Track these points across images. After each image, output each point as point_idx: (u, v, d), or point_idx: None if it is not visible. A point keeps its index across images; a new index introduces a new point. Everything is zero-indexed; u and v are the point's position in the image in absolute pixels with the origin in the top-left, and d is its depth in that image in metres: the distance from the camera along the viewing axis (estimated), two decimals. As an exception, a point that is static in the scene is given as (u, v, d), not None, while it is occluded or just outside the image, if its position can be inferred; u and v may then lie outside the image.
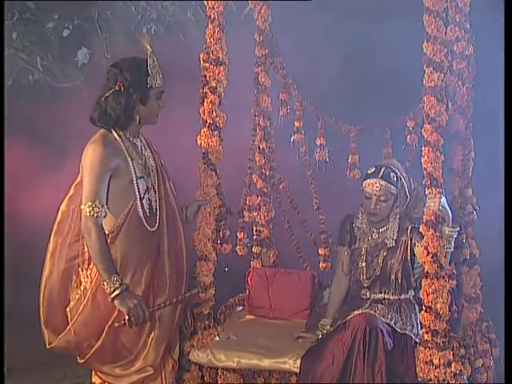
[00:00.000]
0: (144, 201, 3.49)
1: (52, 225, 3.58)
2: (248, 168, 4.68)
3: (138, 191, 3.46)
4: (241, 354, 3.87)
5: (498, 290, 4.59)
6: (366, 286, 4.00)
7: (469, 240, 4.24)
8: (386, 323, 3.74)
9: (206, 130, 3.87)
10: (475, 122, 4.19)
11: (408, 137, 4.46)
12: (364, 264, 4.00)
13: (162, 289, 3.56)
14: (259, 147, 4.72)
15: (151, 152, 3.62)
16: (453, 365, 3.56)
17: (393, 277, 3.93)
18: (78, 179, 3.52)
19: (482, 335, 4.14)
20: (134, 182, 3.44)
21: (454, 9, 4.04)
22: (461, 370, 3.57)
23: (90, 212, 3.32)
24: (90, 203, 3.33)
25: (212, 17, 3.88)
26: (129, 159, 3.44)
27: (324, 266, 4.77)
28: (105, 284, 3.34)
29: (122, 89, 3.41)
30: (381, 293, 3.95)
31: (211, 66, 3.87)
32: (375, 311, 3.79)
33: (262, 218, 4.80)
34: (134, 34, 5.71)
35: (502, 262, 4.67)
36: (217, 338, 3.97)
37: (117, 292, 3.34)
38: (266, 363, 3.84)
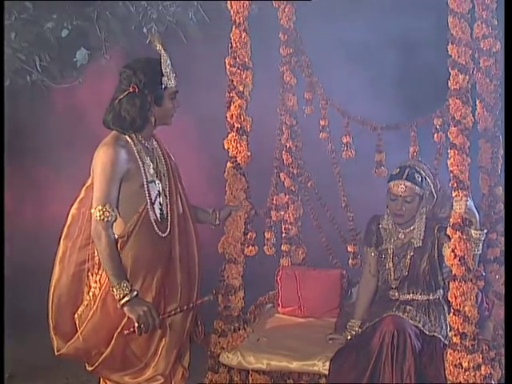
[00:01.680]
0: (155, 205, 3.41)
1: (61, 228, 3.50)
2: (274, 168, 4.68)
3: (149, 196, 3.38)
4: (270, 356, 3.90)
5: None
6: (394, 286, 4.00)
7: (498, 237, 4.22)
8: (415, 326, 3.75)
9: (234, 134, 3.90)
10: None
11: (435, 135, 4.42)
12: (391, 265, 4.01)
13: (173, 295, 3.48)
14: (286, 146, 4.72)
15: (163, 155, 3.53)
16: (482, 368, 3.56)
17: (421, 276, 3.93)
18: (89, 182, 3.44)
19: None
20: (145, 186, 3.36)
21: (480, 5, 4.01)
22: (490, 373, 3.57)
23: (100, 216, 3.25)
24: (100, 207, 3.26)
25: (237, 21, 3.89)
26: (140, 163, 3.36)
27: (353, 262, 4.77)
28: (114, 290, 3.27)
29: (137, 90, 3.33)
30: (409, 293, 3.96)
31: (238, 71, 3.89)
32: (403, 313, 3.80)
33: (291, 216, 4.81)
34: (134, 35, 5.79)
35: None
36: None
37: (126, 299, 3.27)
38: (295, 365, 3.86)
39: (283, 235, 4.85)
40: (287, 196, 4.79)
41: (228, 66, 3.91)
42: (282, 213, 4.79)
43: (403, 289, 3.98)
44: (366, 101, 4.74)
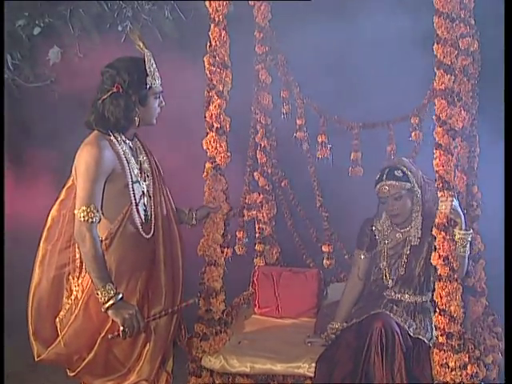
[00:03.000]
0: (139, 207, 3.34)
1: (41, 231, 3.42)
2: (248, 166, 4.65)
3: (134, 196, 3.31)
4: (254, 358, 3.85)
5: (501, 283, 4.66)
6: (389, 286, 3.97)
7: (473, 235, 4.24)
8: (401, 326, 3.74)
9: (213, 134, 3.82)
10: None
11: (412, 134, 4.44)
12: (386, 264, 3.98)
13: (157, 298, 3.41)
14: (260, 145, 4.68)
15: (147, 155, 3.47)
16: (468, 367, 3.56)
17: (416, 277, 3.92)
18: (70, 182, 3.36)
19: (489, 330, 4.15)
20: (130, 186, 3.30)
21: (458, 5, 4.00)
22: (477, 372, 3.57)
23: (84, 217, 3.16)
24: (84, 208, 3.17)
25: (216, 19, 3.81)
26: (125, 162, 3.29)
27: (328, 263, 4.77)
28: (99, 293, 3.18)
29: (121, 90, 3.26)
30: (400, 292, 3.94)
31: (218, 70, 3.81)
32: (390, 312, 3.79)
33: (265, 215, 4.78)
34: (108, 33, 5.68)
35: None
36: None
37: (111, 302, 3.18)
38: (280, 368, 3.81)
39: (257, 235, 4.82)
40: (261, 195, 4.75)
41: (207, 65, 3.83)
42: (254, 212, 4.75)
43: (395, 288, 3.95)
44: (342, 100, 4.68)
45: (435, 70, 3.52)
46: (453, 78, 3.50)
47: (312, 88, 4.64)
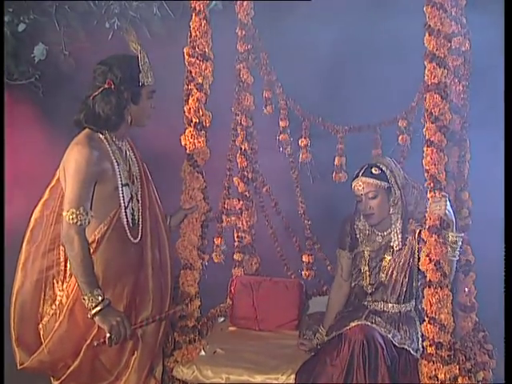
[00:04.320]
0: (128, 210, 3.23)
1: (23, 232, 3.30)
2: (227, 170, 4.44)
3: (123, 199, 3.20)
4: (229, 369, 3.62)
5: (494, 298, 4.46)
6: (369, 292, 3.77)
7: (464, 246, 4.03)
8: (384, 336, 3.52)
9: (191, 129, 3.63)
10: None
11: (400, 137, 4.25)
12: (367, 268, 3.78)
13: (144, 304, 3.30)
14: (241, 148, 4.48)
15: (135, 157, 3.36)
16: (459, 379, 3.36)
17: (398, 284, 3.71)
18: (53, 182, 3.27)
19: (480, 346, 3.93)
20: (120, 189, 3.19)
21: (449, 2, 3.84)
22: (468, 385, 3.36)
23: (73, 219, 3.05)
24: (73, 210, 3.06)
25: (197, 9, 3.64)
26: (115, 164, 3.18)
27: (307, 274, 4.58)
28: (85, 298, 3.07)
29: (113, 86, 3.16)
30: (382, 301, 3.73)
31: (197, 61, 3.63)
32: (372, 323, 3.56)
33: (244, 223, 4.56)
34: (95, 30, 5.53)
35: (499, 268, 4.53)
36: (202, 353, 3.71)
37: (98, 308, 3.07)
38: (258, 379, 3.58)
39: (236, 243, 4.59)
40: (241, 202, 4.53)
41: (186, 57, 3.65)
42: (234, 218, 4.52)
43: (377, 295, 3.75)
44: (328, 102, 4.50)
45: (426, 63, 3.34)
46: (445, 71, 3.33)
47: (296, 89, 4.44)
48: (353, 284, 3.85)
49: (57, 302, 3.22)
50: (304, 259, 4.57)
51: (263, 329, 4.19)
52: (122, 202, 3.20)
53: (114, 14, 5.49)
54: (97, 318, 3.08)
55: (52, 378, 3.33)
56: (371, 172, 3.71)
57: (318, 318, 4.04)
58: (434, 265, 3.35)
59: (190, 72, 3.64)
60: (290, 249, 4.61)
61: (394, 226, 3.73)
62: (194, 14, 3.64)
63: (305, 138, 4.41)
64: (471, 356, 3.66)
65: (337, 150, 4.36)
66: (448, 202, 3.35)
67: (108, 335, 3.07)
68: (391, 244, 3.73)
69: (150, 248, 3.31)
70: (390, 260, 3.73)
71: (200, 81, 3.63)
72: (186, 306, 3.54)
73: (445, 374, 3.34)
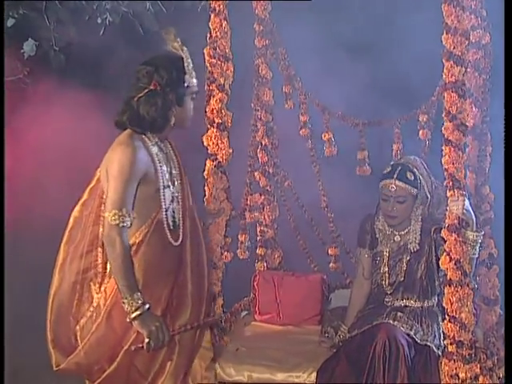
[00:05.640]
0: (169, 212, 3.19)
1: (62, 232, 3.26)
2: (249, 166, 4.43)
3: (164, 201, 3.17)
4: (251, 367, 3.66)
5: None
6: (388, 292, 3.78)
7: (487, 239, 4.01)
8: (406, 333, 3.53)
9: (214, 130, 3.65)
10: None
11: (420, 132, 4.23)
12: (386, 269, 3.78)
13: (182, 309, 3.25)
14: (261, 143, 4.48)
15: (176, 159, 3.33)
16: (480, 378, 3.35)
17: (417, 282, 3.72)
18: (93, 183, 3.23)
19: (503, 340, 3.92)
20: (161, 191, 3.16)
21: (468, -4, 3.80)
22: (489, 384, 3.36)
23: (115, 220, 3.01)
24: (115, 211, 3.02)
25: (217, 9, 3.64)
26: (158, 165, 3.15)
27: (334, 266, 4.61)
28: (125, 302, 3.03)
29: (158, 88, 3.11)
30: (403, 299, 3.74)
31: (218, 62, 3.65)
32: (394, 320, 3.58)
33: (266, 217, 4.58)
34: (86, 25, 5.52)
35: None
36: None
37: (138, 312, 3.03)
38: (280, 377, 3.62)
39: (258, 238, 4.61)
40: (262, 196, 4.55)
41: (207, 58, 3.66)
42: (257, 214, 4.54)
43: (397, 294, 3.76)
44: (348, 96, 4.48)
45: (444, 61, 3.30)
46: (463, 69, 3.28)
47: (314, 83, 4.43)
48: (373, 283, 3.86)
49: (94, 304, 3.18)
50: (330, 252, 4.59)
51: (286, 323, 4.22)
52: (163, 204, 3.16)
53: (105, 10, 5.45)
54: (136, 323, 3.05)
55: (87, 381, 3.31)
56: (406, 177, 3.69)
57: (339, 313, 4.05)
58: (455, 264, 3.32)
59: (212, 73, 3.65)
60: (313, 242, 4.63)
61: (412, 227, 3.74)
62: (213, 15, 3.64)
63: (327, 132, 4.39)
64: (494, 352, 3.67)
65: (359, 144, 4.34)
66: (467, 201, 3.33)
67: (147, 340, 3.05)
68: (409, 246, 3.73)
69: (189, 251, 3.27)
70: (408, 260, 3.74)
71: (222, 81, 3.64)
72: (225, 314, 3.50)
73: (466, 373, 3.34)
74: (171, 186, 3.21)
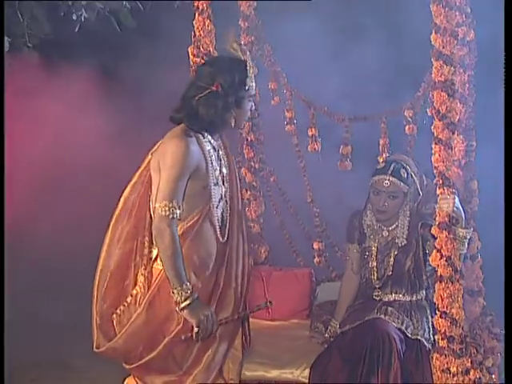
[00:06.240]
0: (218, 209, 3.22)
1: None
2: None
3: (214, 199, 3.20)
4: (244, 365, 3.61)
5: (499, 283, 4.52)
6: (377, 286, 3.83)
7: (473, 233, 4.07)
8: (398, 328, 3.58)
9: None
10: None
11: (406, 127, 4.26)
12: (375, 263, 3.84)
13: (226, 302, 3.27)
14: (247, 139, 4.49)
15: (227, 157, 3.34)
16: (471, 372, 3.41)
17: (405, 276, 3.78)
18: (143, 167, 3.25)
19: (488, 331, 4.01)
20: (211, 187, 3.18)
21: (454, -6, 3.83)
22: (480, 377, 3.43)
23: (165, 212, 3.03)
24: (166, 202, 3.03)
25: (200, 8, 3.65)
26: (209, 162, 3.17)
27: (318, 260, 4.63)
28: (174, 292, 3.04)
29: (220, 90, 3.11)
30: (392, 293, 3.80)
31: (203, 61, 3.62)
32: (385, 315, 3.63)
33: (252, 212, 4.59)
34: (62, 22, 5.48)
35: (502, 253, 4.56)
36: None
37: (188, 302, 3.04)
38: (273, 374, 3.67)
39: (245, 233, 4.62)
40: (248, 192, 4.56)
41: (191, 56, 3.69)
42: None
43: (386, 289, 3.82)
44: (333, 92, 4.50)
45: (433, 61, 3.34)
46: (453, 69, 3.32)
47: (300, 80, 4.44)
48: (362, 278, 3.91)
49: (134, 292, 3.22)
50: (315, 246, 4.62)
51: (275, 318, 4.25)
52: (212, 200, 3.19)
53: (81, 6, 5.39)
54: (185, 312, 3.06)
55: (124, 363, 3.32)
56: (400, 174, 3.74)
57: (328, 308, 4.10)
58: (446, 260, 3.37)
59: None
60: (299, 237, 4.66)
61: (400, 222, 3.79)
62: (197, 14, 3.65)
63: (312, 128, 4.41)
64: (480, 344, 3.75)
65: (342, 139, 4.36)
66: (457, 199, 3.39)
67: (196, 330, 3.06)
68: (396, 241, 3.79)
69: (235, 249, 3.30)
70: (396, 255, 3.79)
71: (206, 80, 3.63)
72: (265, 305, 3.45)
73: (457, 367, 3.40)
74: (221, 185, 3.24)
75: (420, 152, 4.05)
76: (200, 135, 3.17)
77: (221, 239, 3.25)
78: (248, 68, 3.19)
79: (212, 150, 3.21)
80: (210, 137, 3.21)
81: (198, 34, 3.65)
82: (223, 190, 3.26)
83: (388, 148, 4.27)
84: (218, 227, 3.23)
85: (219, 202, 3.23)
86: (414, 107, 4.19)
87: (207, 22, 3.64)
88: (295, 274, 4.36)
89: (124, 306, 3.23)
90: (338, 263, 4.57)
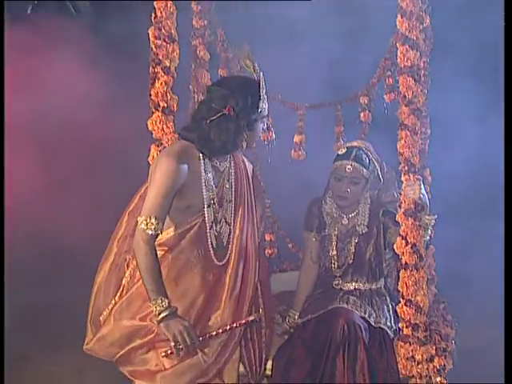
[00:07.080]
0: (211, 231, 3.16)
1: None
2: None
3: (208, 220, 3.14)
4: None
5: (452, 271, 4.56)
6: (337, 275, 3.77)
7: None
8: (361, 317, 3.54)
9: (159, 114, 3.52)
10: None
11: (361, 114, 4.22)
12: (335, 252, 3.78)
13: (213, 314, 3.21)
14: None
15: (235, 177, 3.24)
16: (435, 359, 3.41)
17: (366, 264, 3.75)
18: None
19: (443, 319, 4.01)
20: (205, 209, 3.12)
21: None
22: (444, 365, 3.42)
23: (145, 227, 2.99)
24: (145, 217, 2.99)
25: (160, -11, 3.48)
26: (203, 183, 3.10)
27: (271, 252, 4.57)
28: (152, 304, 3.02)
29: (232, 113, 3.02)
30: (352, 282, 3.75)
31: (164, 43, 3.51)
32: (347, 304, 3.58)
33: (204, 204, 4.47)
34: (15, 3, 5.29)
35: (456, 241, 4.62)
36: None
37: (163, 315, 2.99)
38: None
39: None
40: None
41: (152, 38, 3.52)
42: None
43: (347, 277, 3.77)
44: (289, 80, 4.42)
45: (398, 45, 3.31)
46: (418, 53, 3.31)
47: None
48: (321, 266, 3.86)
49: (116, 298, 3.20)
50: (267, 238, 4.56)
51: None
52: (207, 222, 3.13)
53: None
54: (161, 325, 3.01)
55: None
56: (362, 158, 3.70)
57: (285, 299, 4.02)
58: (411, 247, 3.36)
59: (157, 54, 3.51)
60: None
61: (361, 210, 3.75)
62: (157, -5, 3.50)
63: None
64: (438, 330, 3.74)
65: (296, 127, 4.29)
66: (422, 185, 3.36)
67: (172, 344, 2.99)
68: (357, 228, 3.75)
69: (233, 269, 3.22)
70: (356, 243, 3.75)
71: (167, 64, 3.51)
72: (259, 313, 3.38)
73: (422, 355, 3.39)
74: (215, 207, 3.16)
75: (372, 139, 4.02)
76: (200, 156, 3.10)
77: (216, 261, 3.19)
78: (261, 90, 3.08)
79: (212, 171, 3.14)
80: (217, 161, 3.14)
81: (159, 15, 3.50)
82: (221, 212, 3.19)
83: (343, 136, 4.24)
84: (212, 249, 3.17)
85: (212, 223, 3.16)
86: (369, 94, 4.16)
87: (169, 3, 3.50)
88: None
89: (106, 311, 3.21)
90: (288, 254, 4.52)
